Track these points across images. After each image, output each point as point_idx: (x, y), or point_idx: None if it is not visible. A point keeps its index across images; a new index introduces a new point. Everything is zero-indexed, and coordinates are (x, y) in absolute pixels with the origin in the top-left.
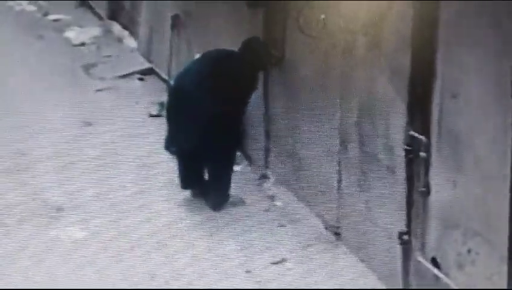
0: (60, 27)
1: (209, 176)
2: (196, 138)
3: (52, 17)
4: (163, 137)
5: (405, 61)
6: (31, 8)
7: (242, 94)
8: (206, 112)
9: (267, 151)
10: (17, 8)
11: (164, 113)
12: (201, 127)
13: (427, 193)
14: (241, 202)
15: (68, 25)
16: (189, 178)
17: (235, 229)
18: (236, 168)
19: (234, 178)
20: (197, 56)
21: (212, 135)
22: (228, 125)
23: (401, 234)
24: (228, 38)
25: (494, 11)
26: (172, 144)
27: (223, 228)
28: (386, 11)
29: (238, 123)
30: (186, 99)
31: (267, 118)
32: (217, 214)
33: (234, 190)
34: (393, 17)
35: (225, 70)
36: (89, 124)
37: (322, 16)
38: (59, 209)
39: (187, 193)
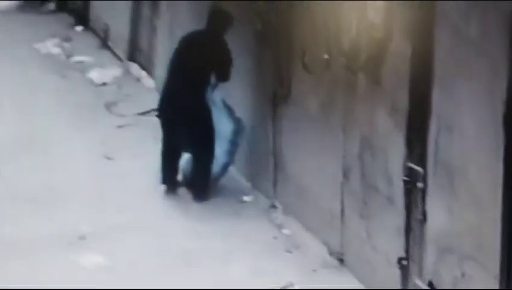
0: (83, 68)
1: (192, 172)
2: (182, 132)
3: (75, 58)
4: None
5: (403, 97)
6: (56, 50)
7: (209, 62)
8: (181, 89)
9: (275, 182)
10: (43, 50)
11: None
12: (184, 116)
13: (424, 220)
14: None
15: (91, 66)
16: (167, 174)
17: (244, 254)
18: (246, 198)
19: (245, 207)
20: None
21: (189, 116)
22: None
23: (400, 259)
24: (238, 76)
25: (485, 45)
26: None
27: (232, 253)
28: (385, 50)
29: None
30: (169, 92)
31: (275, 151)
32: (227, 240)
33: (244, 217)
34: (392, 56)
35: (191, 44)
36: (111, 158)
37: (326, 56)
38: (81, 237)
39: (162, 188)
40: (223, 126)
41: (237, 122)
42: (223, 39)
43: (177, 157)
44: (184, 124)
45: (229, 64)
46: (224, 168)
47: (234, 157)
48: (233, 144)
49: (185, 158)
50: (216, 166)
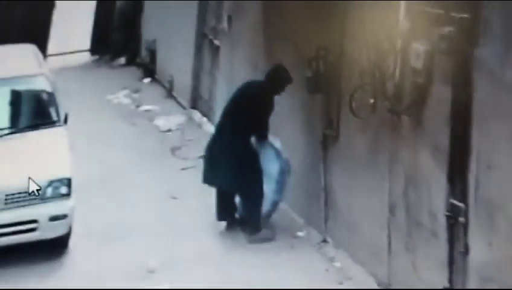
0: (150, 116)
1: (242, 211)
2: (228, 174)
3: (143, 108)
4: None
5: (444, 137)
6: (126, 100)
7: (259, 114)
8: (232, 137)
9: (326, 218)
10: (115, 101)
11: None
12: (229, 157)
13: (466, 253)
14: (272, 234)
15: (157, 114)
16: (223, 211)
17: (298, 286)
18: (299, 233)
19: (298, 241)
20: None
21: (237, 162)
22: (248, 146)
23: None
24: (291, 119)
25: None
26: (208, 180)
27: (287, 284)
28: (426, 94)
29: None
30: (218, 132)
31: (326, 189)
32: (283, 272)
33: (298, 251)
34: (433, 99)
35: (245, 95)
36: (175, 197)
37: (371, 100)
38: (151, 271)
39: (222, 225)
40: (270, 166)
41: (283, 162)
42: (271, 96)
43: (232, 195)
44: (231, 166)
45: (267, 123)
46: (273, 206)
47: (282, 196)
48: (281, 183)
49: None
50: (266, 205)
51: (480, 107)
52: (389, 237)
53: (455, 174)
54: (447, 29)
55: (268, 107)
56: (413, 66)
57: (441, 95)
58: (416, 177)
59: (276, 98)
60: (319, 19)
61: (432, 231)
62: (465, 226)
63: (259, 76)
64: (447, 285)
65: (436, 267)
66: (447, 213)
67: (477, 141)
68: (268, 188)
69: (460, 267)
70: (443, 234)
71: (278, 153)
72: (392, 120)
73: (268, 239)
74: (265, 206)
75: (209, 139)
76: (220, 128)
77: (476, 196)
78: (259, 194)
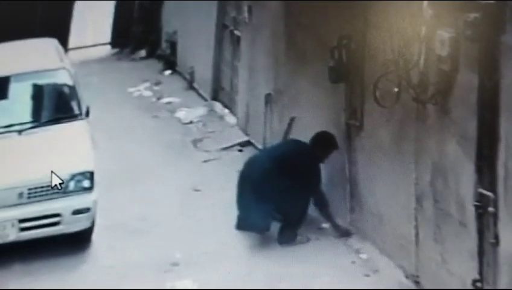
0: (171, 108)
1: (283, 219)
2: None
3: (165, 100)
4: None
5: (471, 126)
6: (147, 93)
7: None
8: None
9: (351, 209)
10: (136, 93)
11: None
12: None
13: (496, 243)
14: (307, 239)
15: (178, 106)
16: (243, 224)
17: (324, 278)
18: (325, 225)
19: (324, 233)
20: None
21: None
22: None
23: (474, 281)
24: (314, 111)
25: None
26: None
27: (313, 277)
28: (452, 82)
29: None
30: (251, 187)
31: (351, 180)
32: (308, 265)
33: (324, 243)
34: (459, 87)
35: (288, 167)
36: (198, 190)
37: (396, 89)
38: (174, 264)
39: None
40: None
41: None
42: (317, 163)
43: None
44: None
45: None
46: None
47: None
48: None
49: None
50: None
51: (508, 94)
52: (416, 228)
53: (483, 163)
54: (473, 15)
55: (317, 175)
56: (438, 54)
57: (468, 83)
58: (444, 166)
59: (298, 88)
60: (340, 7)
61: (461, 221)
62: (495, 216)
63: (280, 66)
64: (477, 277)
65: (466, 259)
66: (476, 203)
67: (506, 128)
68: None
69: (491, 258)
70: (472, 225)
71: None
72: (417, 109)
73: (302, 243)
74: None
75: (245, 169)
76: (266, 171)
77: (505, 184)
78: (304, 210)
